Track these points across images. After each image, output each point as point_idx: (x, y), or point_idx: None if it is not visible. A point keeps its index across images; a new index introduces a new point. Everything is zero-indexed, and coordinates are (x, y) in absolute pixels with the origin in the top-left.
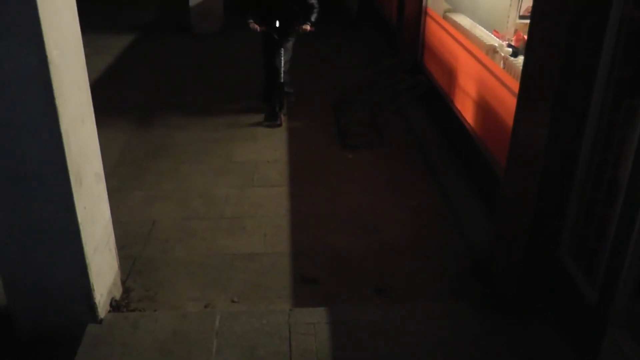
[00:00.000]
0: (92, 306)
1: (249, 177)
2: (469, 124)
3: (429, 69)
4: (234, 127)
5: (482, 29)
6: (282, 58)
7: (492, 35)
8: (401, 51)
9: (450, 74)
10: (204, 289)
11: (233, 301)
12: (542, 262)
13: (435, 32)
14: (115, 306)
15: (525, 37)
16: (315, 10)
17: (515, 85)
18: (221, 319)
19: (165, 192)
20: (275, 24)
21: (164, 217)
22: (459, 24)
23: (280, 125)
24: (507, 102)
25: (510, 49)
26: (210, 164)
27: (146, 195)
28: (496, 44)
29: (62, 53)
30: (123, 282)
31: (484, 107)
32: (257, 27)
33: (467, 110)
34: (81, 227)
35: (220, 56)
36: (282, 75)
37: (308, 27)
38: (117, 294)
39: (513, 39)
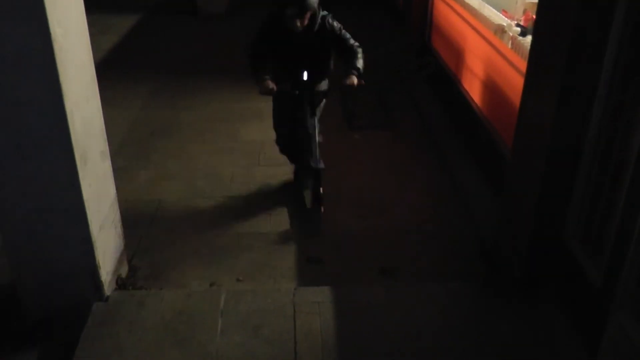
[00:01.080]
0: (98, 284)
1: (255, 157)
2: (476, 104)
3: (436, 49)
4: (240, 107)
5: (491, 8)
6: (316, 128)
7: (501, 15)
8: (409, 32)
9: (458, 54)
10: (209, 268)
11: (238, 280)
12: (547, 244)
13: (443, 12)
14: (121, 284)
15: (534, 16)
16: (360, 53)
17: (523, 65)
18: (226, 297)
19: (171, 171)
20: (302, 76)
21: (169, 196)
22: (468, 4)
23: (319, 232)
24: (514, 83)
25: (519, 29)
26: (216, 144)
27: (152, 174)
28: (505, 24)
29: (66, 32)
30: (129, 261)
31: (492, 88)
32: (274, 86)
33: (474, 91)
34: (87, 205)
35: (227, 37)
36: (316, 155)
37: (355, 80)
38: (123, 272)
39: (522, 18)
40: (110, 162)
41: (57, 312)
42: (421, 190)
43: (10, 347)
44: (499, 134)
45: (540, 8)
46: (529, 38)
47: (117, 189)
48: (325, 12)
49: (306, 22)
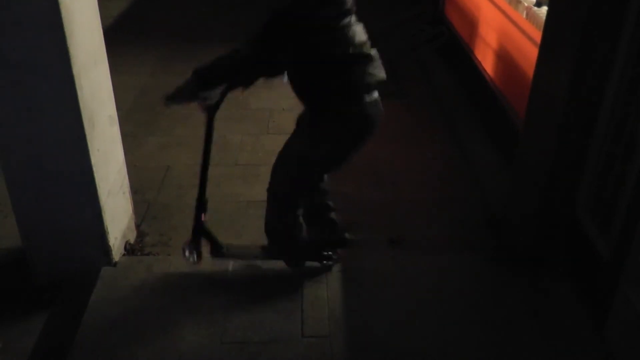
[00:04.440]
0: (106, 249)
1: (264, 125)
2: (489, 75)
3: (450, 19)
4: None
5: None
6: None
7: None
8: (422, 1)
9: (472, 24)
10: (217, 234)
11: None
12: (557, 216)
13: None
14: (129, 250)
15: None
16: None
17: (537, 36)
18: (234, 265)
19: (179, 138)
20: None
21: (178, 163)
22: None
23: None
24: (528, 53)
25: None
26: (225, 111)
27: (161, 140)
28: None
29: None
30: (137, 227)
31: (505, 58)
32: None
33: (487, 62)
34: (95, 170)
35: (239, 3)
36: (327, 194)
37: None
38: (132, 238)
39: None
40: (118, 127)
41: (65, 276)
42: (431, 160)
43: (19, 311)
44: (511, 105)
45: None
46: (544, 9)
47: (125, 154)
48: None
49: None
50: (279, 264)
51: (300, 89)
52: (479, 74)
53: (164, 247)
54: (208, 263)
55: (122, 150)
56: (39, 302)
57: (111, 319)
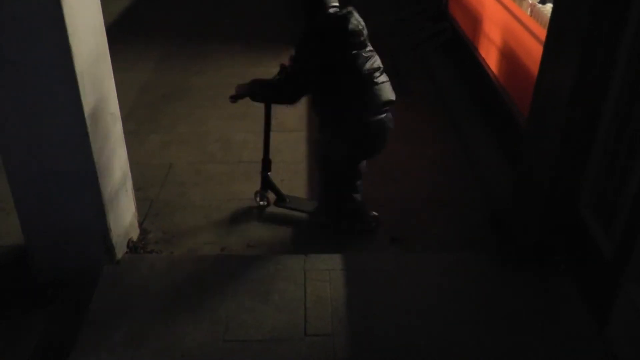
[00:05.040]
0: (109, 247)
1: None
2: (492, 72)
3: (453, 15)
4: (253, 72)
5: None
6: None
7: None
8: None
9: (476, 21)
10: (220, 233)
11: (249, 246)
12: (561, 214)
13: None
14: (132, 247)
15: None
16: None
17: (542, 33)
18: (237, 262)
19: (182, 136)
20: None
21: (180, 160)
22: None
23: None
24: (532, 51)
25: None
26: (228, 109)
27: (163, 138)
28: None
29: None
30: (140, 224)
31: (509, 56)
32: None
33: (491, 59)
34: (97, 168)
35: (242, 1)
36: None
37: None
38: (134, 236)
39: None
40: (121, 125)
41: (68, 274)
42: (434, 158)
43: (21, 309)
44: (514, 103)
45: None
46: (548, 6)
47: (127, 152)
48: None
49: None
50: (284, 262)
51: (319, 105)
52: (482, 71)
53: (166, 244)
54: (210, 262)
55: (125, 148)
56: (41, 299)
57: (113, 317)
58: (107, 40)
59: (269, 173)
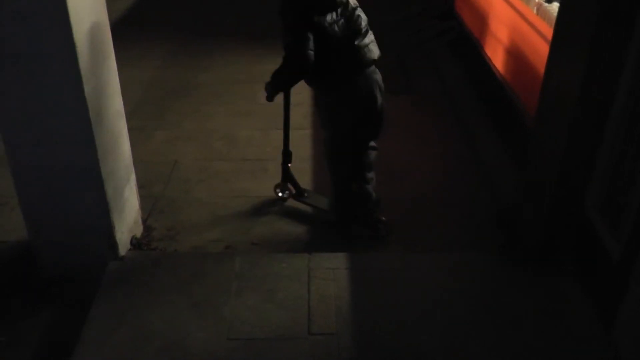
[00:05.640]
0: (112, 244)
1: (273, 120)
2: (499, 71)
3: (460, 14)
4: (258, 69)
5: None
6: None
7: None
8: None
9: (482, 19)
10: (224, 230)
11: (253, 243)
12: (567, 215)
13: None
14: (136, 244)
15: None
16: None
17: (548, 32)
18: (241, 261)
19: (187, 133)
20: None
21: (185, 157)
22: None
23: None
24: (539, 50)
25: None
26: (234, 106)
27: (168, 135)
28: None
29: None
30: (144, 221)
31: (516, 55)
32: None
33: (497, 58)
34: (101, 165)
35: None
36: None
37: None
38: (138, 233)
39: None
40: (125, 121)
41: (71, 270)
42: (440, 157)
43: (24, 305)
44: (521, 102)
45: None
46: (555, 5)
47: (132, 148)
48: None
49: None
50: (288, 260)
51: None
52: (489, 69)
53: (170, 241)
54: (214, 260)
55: (129, 145)
56: (45, 295)
57: (117, 314)
58: (113, 37)
59: (289, 165)
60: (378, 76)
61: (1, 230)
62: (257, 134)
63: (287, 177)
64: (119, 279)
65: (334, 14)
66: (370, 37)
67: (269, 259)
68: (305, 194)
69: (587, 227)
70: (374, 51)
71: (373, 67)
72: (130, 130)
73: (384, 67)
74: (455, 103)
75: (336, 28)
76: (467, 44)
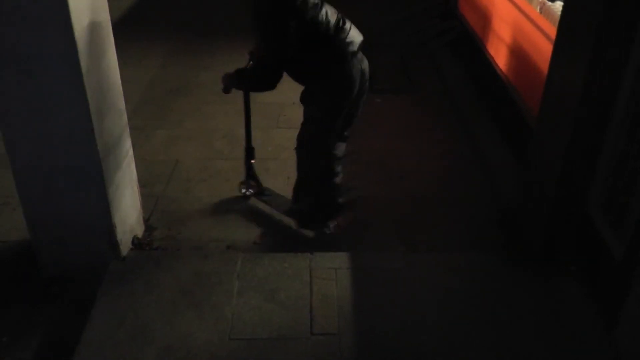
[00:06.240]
0: (113, 244)
1: (274, 119)
2: (501, 70)
3: (462, 13)
4: None
5: None
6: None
7: None
8: None
9: (485, 18)
10: (226, 230)
11: (255, 243)
12: (569, 214)
13: None
14: (137, 244)
15: None
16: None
17: (552, 31)
18: (243, 260)
19: (188, 132)
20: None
21: (187, 156)
22: None
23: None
24: (542, 49)
25: None
26: (235, 105)
27: (169, 134)
28: None
29: None
30: (145, 221)
31: (519, 54)
32: None
33: (500, 57)
34: (102, 164)
35: None
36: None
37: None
38: (140, 232)
39: None
40: (126, 120)
41: (73, 270)
42: (442, 156)
43: (25, 305)
44: (523, 101)
45: None
46: (558, 4)
47: (133, 148)
48: None
49: None
50: (290, 260)
51: (295, 68)
52: (491, 69)
53: (172, 241)
54: (216, 260)
55: (130, 144)
56: (46, 295)
57: (119, 315)
58: (114, 35)
59: (252, 162)
60: (365, 64)
61: (2, 229)
62: (258, 133)
63: (250, 174)
64: (121, 278)
65: (312, 8)
66: (348, 25)
67: (271, 258)
68: (266, 193)
69: (589, 226)
70: (356, 38)
71: (360, 55)
72: (131, 129)
73: (385, 66)
74: (456, 102)
75: (323, 17)
76: (469, 43)
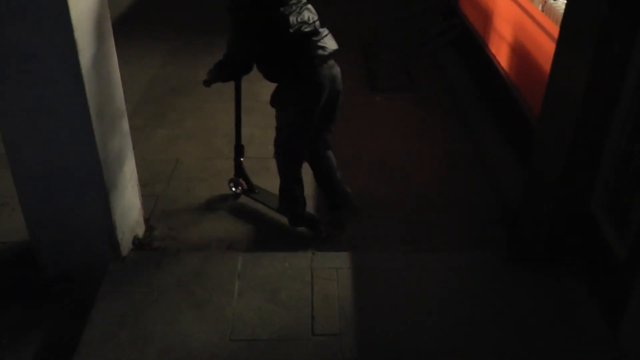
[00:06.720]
0: (114, 244)
1: (274, 118)
2: (503, 69)
3: (464, 11)
4: None
5: None
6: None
7: None
8: None
9: (486, 17)
10: (227, 230)
11: (256, 243)
12: (572, 214)
13: None
14: (137, 244)
15: None
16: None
17: (554, 30)
18: (244, 260)
19: (189, 131)
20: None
21: (187, 156)
22: None
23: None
24: (545, 48)
25: None
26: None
27: (170, 133)
28: None
29: None
30: (146, 221)
31: (520, 53)
32: None
33: (502, 56)
34: (102, 164)
35: None
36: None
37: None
38: (140, 232)
39: None
40: (127, 120)
41: (73, 271)
42: (443, 155)
43: (26, 305)
44: (525, 101)
45: None
46: (560, 2)
47: (134, 147)
48: None
49: None
50: (291, 260)
51: (265, 66)
52: (493, 68)
53: (172, 241)
54: (217, 260)
55: (131, 143)
56: (46, 296)
57: (119, 315)
58: (114, 34)
59: (241, 160)
60: (336, 70)
61: (2, 230)
62: (258, 132)
63: (240, 172)
64: (121, 279)
65: (289, 7)
66: (324, 32)
67: (272, 258)
68: (256, 191)
69: (592, 226)
70: (329, 45)
71: (331, 62)
72: (131, 128)
73: (386, 65)
74: (458, 101)
75: (292, 21)
76: (471, 42)
